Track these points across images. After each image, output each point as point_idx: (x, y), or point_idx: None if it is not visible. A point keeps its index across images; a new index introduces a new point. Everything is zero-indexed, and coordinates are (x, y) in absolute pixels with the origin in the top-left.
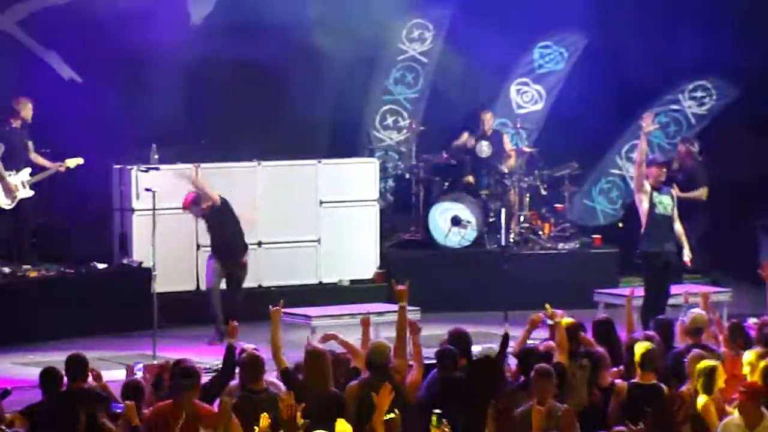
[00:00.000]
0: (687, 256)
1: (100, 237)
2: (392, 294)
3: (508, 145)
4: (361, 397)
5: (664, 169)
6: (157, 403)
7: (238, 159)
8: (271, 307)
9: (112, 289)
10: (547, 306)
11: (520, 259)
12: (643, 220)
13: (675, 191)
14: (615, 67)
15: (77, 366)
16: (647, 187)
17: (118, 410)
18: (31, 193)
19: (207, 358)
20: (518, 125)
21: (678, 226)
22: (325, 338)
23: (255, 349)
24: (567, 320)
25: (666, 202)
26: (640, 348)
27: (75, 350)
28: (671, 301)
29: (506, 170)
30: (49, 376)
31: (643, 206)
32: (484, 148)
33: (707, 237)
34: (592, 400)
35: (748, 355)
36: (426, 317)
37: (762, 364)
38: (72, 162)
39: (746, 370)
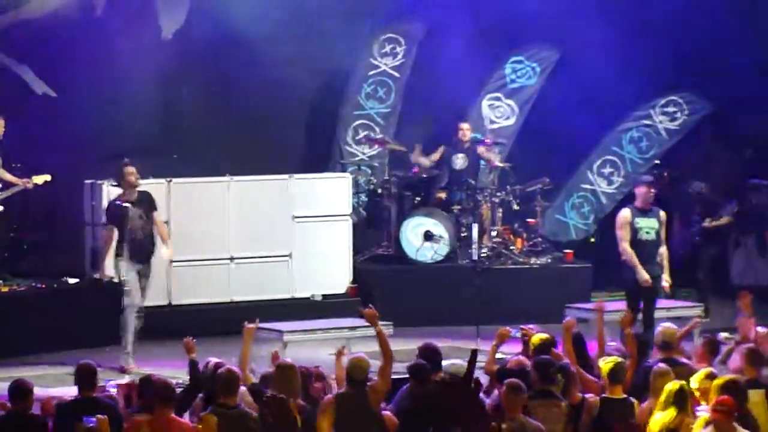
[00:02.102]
0: (666, 281)
1: (71, 252)
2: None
3: (494, 158)
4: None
5: (653, 189)
6: (133, 418)
7: (211, 174)
8: (246, 323)
9: (84, 304)
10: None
11: (492, 274)
12: (621, 249)
13: (663, 214)
14: (587, 82)
15: (87, 376)
16: (628, 218)
17: (91, 424)
18: (0, 208)
19: (179, 373)
20: (491, 140)
21: (663, 249)
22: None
23: (221, 363)
24: (539, 336)
25: (650, 226)
26: (607, 362)
27: (47, 365)
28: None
29: (494, 184)
30: (18, 389)
31: (624, 237)
32: (459, 161)
33: (681, 253)
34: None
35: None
36: (399, 332)
37: (721, 380)
38: (39, 179)
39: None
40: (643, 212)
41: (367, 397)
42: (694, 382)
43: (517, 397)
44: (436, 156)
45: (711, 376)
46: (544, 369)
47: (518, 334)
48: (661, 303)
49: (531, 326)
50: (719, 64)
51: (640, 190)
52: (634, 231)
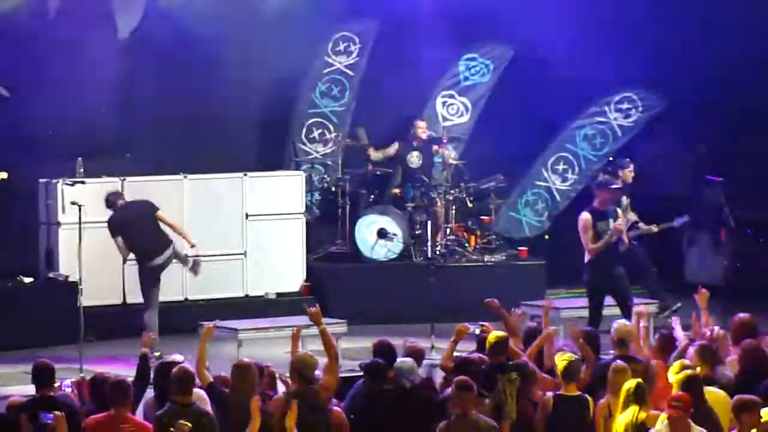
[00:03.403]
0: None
1: (26, 251)
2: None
3: (448, 155)
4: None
5: (617, 195)
6: (91, 417)
7: (164, 172)
8: (206, 323)
9: (39, 303)
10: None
11: (446, 272)
12: (588, 250)
13: (625, 200)
14: (541, 79)
15: (44, 374)
16: (590, 221)
17: (48, 421)
18: None
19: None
20: (446, 137)
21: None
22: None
23: (184, 361)
24: (496, 333)
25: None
26: (562, 359)
27: (1, 363)
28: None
29: (448, 182)
30: None
31: (589, 240)
32: (414, 159)
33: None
34: (523, 413)
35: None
36: (352, 330)
37: (681, 376)
38: None
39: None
40: (603, 214)
41: (317, 395)
42: (672, 374)
43: (466, 395)
44: (390, 151)
45: (686, 368)
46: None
47: (477, 331)
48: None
49: (488, 324)
50: (673, 59)
51: (604, 195)
52: (597, 234)
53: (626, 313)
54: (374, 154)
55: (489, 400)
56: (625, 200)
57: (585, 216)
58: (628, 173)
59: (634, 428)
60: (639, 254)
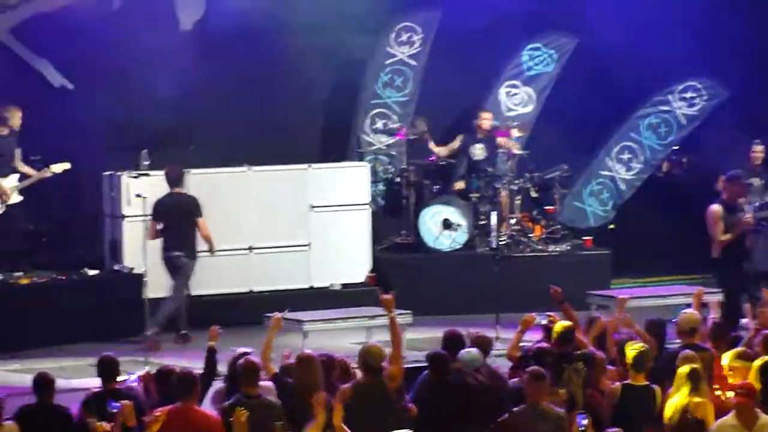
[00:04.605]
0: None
1: (91, 243)
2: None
3: (513, 145)
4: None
5: (747, 190)
6: (157, 409)
7: (228, 164)
8: (276, 313)
9: (104, 296)
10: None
11: (511, 262)
12: (717, 242)
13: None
14: (604, 69)
15: (109, 367)
16: (720, 213)
17: (115, 409)
18: (19, 198)
19: (197, 364)
20: (510, 127)
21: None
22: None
23: (249, 353)
24: (562, 323)
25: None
26: (632, 349)
27: (67, 356)
28: (668, 302)
29: (512, 172)
30: (42, 381)
31: (719, 233)
32: (477, 151)
33: (700, 238)
34: (590, 402)
35: (726, 357)
36: (417, 320)
37: (756, 364)
38: (58, 167)
39: (726, 370)
40: (732, 207)
41: (384, 386)
42: (726, 360)
43: (539, 385)
44: (455, 144)
45: (742, 356)
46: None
47: (544, 321)
48: (681, 289)
49: (554, 314)
50: (738, 48)
51: (734, 190)
52: (726, 227)
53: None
54: (439, 150)
55: (564, 390)
56: (758, 182)
57: (715, 208)
58: (759, 153)
59: (682, 412)
60: None
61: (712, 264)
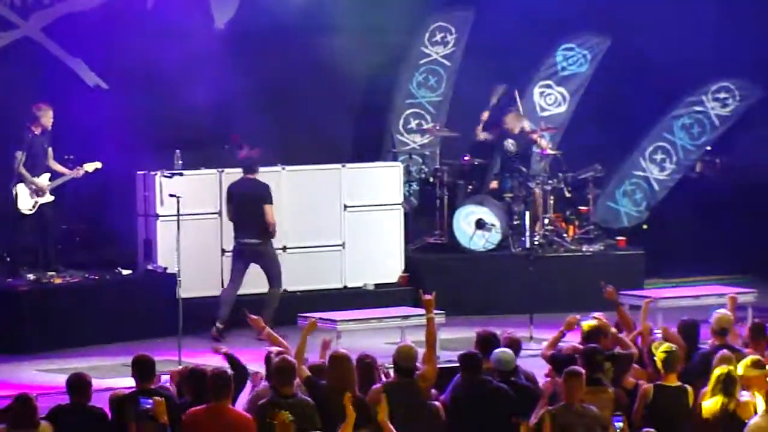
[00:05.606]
0: None
1: (124, 243)
2: (418, 298)
3: (546, 145)
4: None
5: None
6: (191, 409)
7: (262, 164)
8: (308, 315)
9: (138, 295)
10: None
11: (544, 262)
12: None
13: None
14: (638, 69)
15: (145, 367)
16: None
17: (147, 406)
18: (51, 198)
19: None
20: (543, 128)
21: None
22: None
23: (282, 352)
24: (589, 323)
25: None
26: (662, 350)
27: (100, 356)
28: (701, 302)
29: (545, 172)
30: (76, 381)
31: None
32: (510, 146)
33: (733, 238)
34: (617, 401)
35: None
36: (451, 320)
37: None
38: (90, 166)
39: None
40: None
41: (416, 386)
42: (741, 368)
43: (576, 384)
44: (484, 116)
45: (757, 364)
46: (590, 357)
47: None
48: (714, 289)
49: (599, 314)
50: None
51: None
52: None
53: None
54: (483, 135)
55: (612, 389)
56: None
57: None
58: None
59: (725, 418)
60: None
61: None
